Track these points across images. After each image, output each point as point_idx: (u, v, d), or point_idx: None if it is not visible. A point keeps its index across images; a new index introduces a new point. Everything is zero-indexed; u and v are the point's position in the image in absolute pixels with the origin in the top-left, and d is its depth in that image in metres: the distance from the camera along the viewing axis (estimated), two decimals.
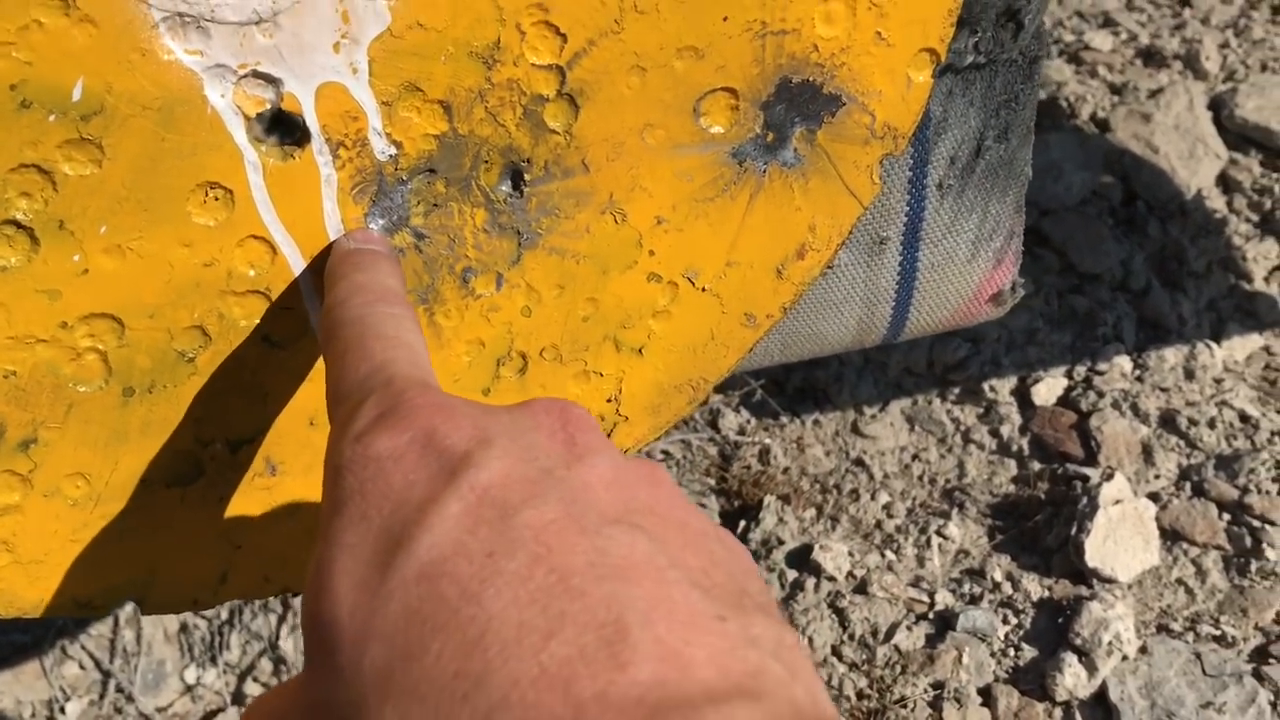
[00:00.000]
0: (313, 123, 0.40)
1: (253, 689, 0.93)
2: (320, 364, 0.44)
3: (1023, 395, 1.11)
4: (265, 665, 0.94)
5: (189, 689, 0.93)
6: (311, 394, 0.45)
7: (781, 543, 1.00)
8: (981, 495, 1.05)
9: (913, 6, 0.45)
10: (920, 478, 1.07)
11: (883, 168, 0.49)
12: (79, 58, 0.36)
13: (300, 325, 0.43)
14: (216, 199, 0.40)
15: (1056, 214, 1.19)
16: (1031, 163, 0.55)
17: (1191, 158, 1.24)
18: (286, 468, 0.46)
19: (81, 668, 0.94)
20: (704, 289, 0.49)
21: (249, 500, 0.46)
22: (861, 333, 0.58)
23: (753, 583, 0.29)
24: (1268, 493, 1.00)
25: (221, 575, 0.47)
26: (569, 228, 0.45)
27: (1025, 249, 1.22)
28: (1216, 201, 1.24)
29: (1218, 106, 1.29)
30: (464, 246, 0.44)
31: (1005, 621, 0.95)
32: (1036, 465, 1.06)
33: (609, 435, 0.51)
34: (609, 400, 0.50)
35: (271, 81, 0.39)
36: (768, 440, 1.06)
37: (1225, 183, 1.26)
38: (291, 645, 0.94)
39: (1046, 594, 0.96)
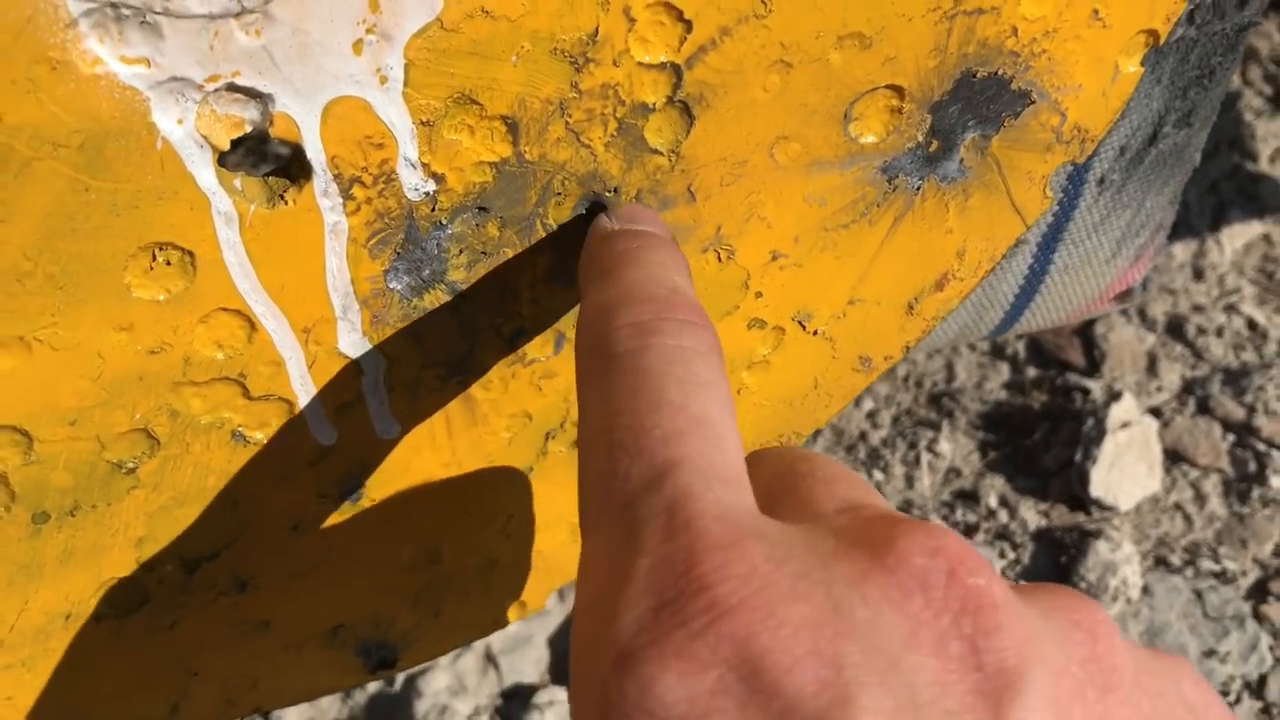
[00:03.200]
0: (316, 154, 0.27)
1: None
2: (310, 454, 0.32)
3: None
4: None
5: None
6: (293, 495, 0.33)
7: None
8: (971, 403, 0.96)
9: None
10: (906, 380, 0.98)
11: (1056, 176, 0.37)
12: None
13: (284, 414, 0.31)
14: (169, 264, 0.27)
15: None
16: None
17: None
18: (260, 581, 0.34)
19: None
20: (816, 332, 0.37)
21: (209, 622, 0.34)
22: (959, 337, 0.47)
23: None
24: (1275, 413, 0.94)
25: (173, 707, 0.36)
26: None
27: None
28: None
29: None
30: (517, 303, 0.32)
31: (1002, 555, 0.88)
32: (1032, 371, 0.97)
33: None
34: None
35: (256, 97, 0.25)
36: None
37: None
38: None
39: (1044, 522, 0.89)
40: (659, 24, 0.28)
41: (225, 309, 0.28)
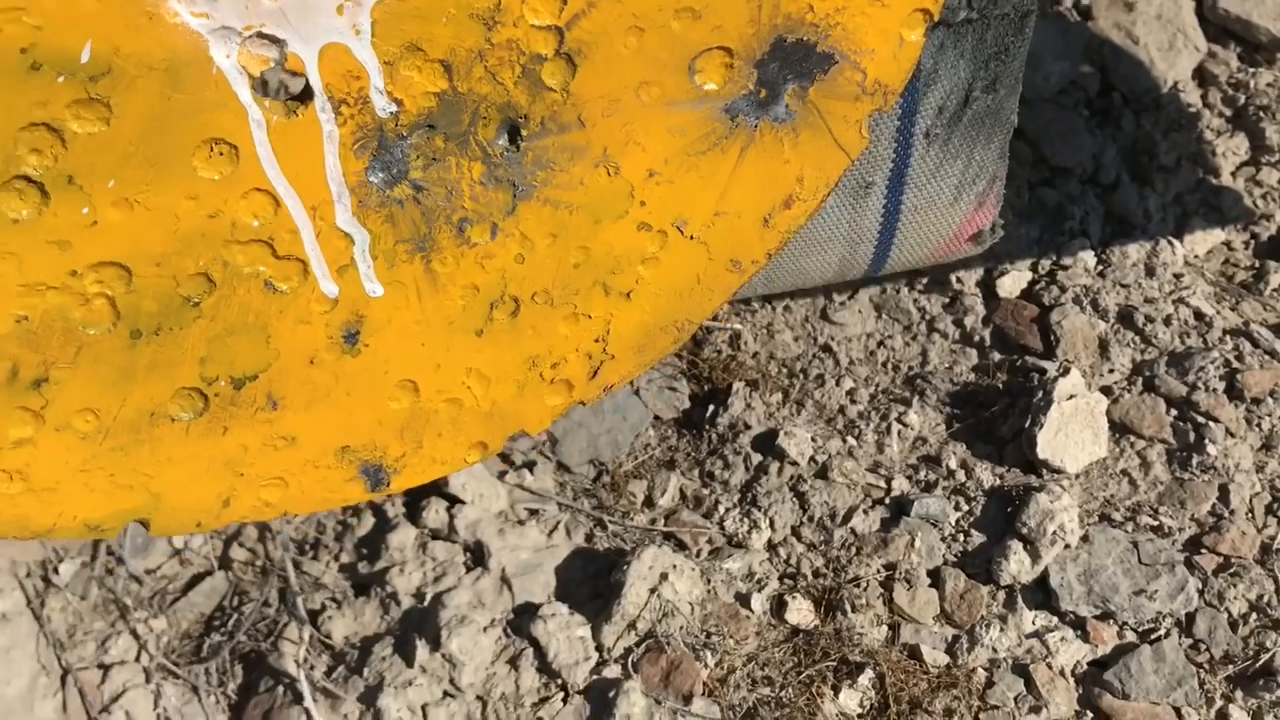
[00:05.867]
0: (316, 82, 0.41)
1: (239, 553, 0.96)
2: (321, 304, 0.46)
3: (988, 287, 1.13)
4: (250, 531, 0.97)
5: (177, 553, 0.96)
6: (310, 335, 0.46)
7: (748, 427, 1.04)
8: (942, 384, 1.08)
9: None
10: (884, 364, 1.10)
11: (871, 120, 0.50)
12: (88, 21, 0.37)
13: (300, 271, 0.45)
14: (221, 154, 0.41)
15: (1033, 104, 1.19)
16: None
17: (1171, 49, 1.24)
18: (287, 402, 0.48)
19: None
20: (692, 237, 0.50)
21: (251, 432, 0.48)
22: (843, 269, 0.60)
23: None
24: (1214, 390, 1.04)
25: (224, 500, 0.49)
26: (563, 180, 0.46)
27: None
28: (1192, 95, 1.25)
29: None
30: (461, 198, 0.45)
31: (957, 508, 0.99)
32: (997, 356, 1.09)
33: (595, 373, 0.53)
34: (597, 340, 0.52)
35: (275, 42, 0.40)
36: (739, 325, 1.09)
37: (1202, 76, 1.26)
38: None
39: (998, 483, 1.01)
40: None
41: (258, 189, 0.42)
